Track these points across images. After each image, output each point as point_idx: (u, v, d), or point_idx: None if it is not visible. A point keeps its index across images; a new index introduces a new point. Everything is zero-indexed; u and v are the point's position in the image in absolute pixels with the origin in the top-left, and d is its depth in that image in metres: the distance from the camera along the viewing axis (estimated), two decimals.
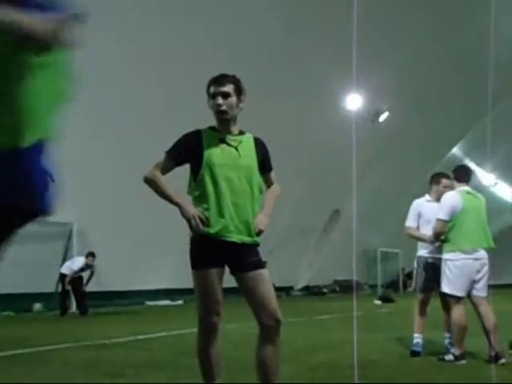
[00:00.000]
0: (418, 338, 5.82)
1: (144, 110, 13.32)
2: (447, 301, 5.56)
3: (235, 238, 3.23)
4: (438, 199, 5.93)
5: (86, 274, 12.39)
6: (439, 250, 5.72)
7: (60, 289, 12.60)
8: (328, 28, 14.47)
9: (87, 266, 12.22)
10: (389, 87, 18.12)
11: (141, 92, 12.97)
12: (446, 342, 5.78)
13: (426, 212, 6.00)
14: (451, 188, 5.86)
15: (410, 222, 6.09)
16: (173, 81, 13.12)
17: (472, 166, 23.60)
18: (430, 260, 5.91)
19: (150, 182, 3.29)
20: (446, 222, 5.42)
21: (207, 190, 3.23)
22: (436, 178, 6.13)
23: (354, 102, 17.05)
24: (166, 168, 3.31)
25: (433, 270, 5.84)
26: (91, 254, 12.23)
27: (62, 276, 12.42)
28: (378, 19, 14.08)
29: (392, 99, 19.12)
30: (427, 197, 6.16)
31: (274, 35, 13.95)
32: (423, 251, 6.02)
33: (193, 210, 3.20)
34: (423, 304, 5.91)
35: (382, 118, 19.73)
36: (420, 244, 6.09)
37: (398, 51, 16.74)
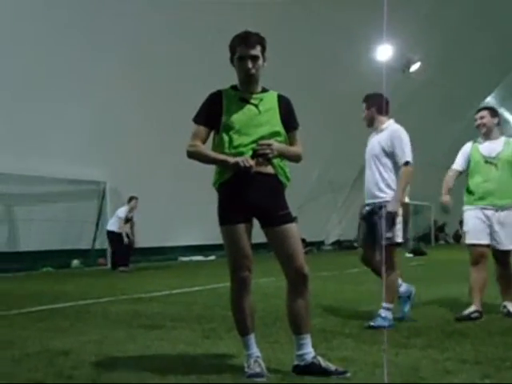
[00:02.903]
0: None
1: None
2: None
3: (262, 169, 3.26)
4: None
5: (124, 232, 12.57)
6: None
7: (109, 246, 13.06)
8: None
9: (127, 220, 12.43)
10: (420, 37, 17.58)
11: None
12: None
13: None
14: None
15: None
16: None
17: (507, 115, 22.99)
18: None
19: (193, 154, 3.38)
20: None
21: (226, 152, 3.29)
22: None
23: (384, 52, 16.62)
24: (201, 136, 3.38)
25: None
26: (134, 197, 12.43)
27: (110, 233, 12.59)
28: None
29: (423, 49, 18.57)
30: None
31: None
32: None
33: (235, 158, 3.23)
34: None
35: (413, 68, 19.23)
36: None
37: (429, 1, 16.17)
